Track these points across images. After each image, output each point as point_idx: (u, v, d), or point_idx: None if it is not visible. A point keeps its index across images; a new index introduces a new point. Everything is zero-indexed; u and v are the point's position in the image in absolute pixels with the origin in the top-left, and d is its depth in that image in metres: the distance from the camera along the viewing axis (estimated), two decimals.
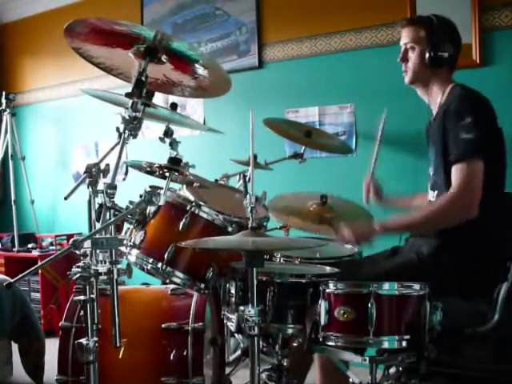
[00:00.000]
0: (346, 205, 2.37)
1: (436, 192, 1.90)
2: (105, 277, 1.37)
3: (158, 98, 3.39)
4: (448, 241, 1.78)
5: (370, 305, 1.45)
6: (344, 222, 1.91)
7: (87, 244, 1.33)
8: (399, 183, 2.74)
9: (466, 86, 1.89)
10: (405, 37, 1.96)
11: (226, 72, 1.71)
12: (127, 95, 1.51)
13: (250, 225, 1.52)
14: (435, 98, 1.95)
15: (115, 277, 1.37)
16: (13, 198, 4.24)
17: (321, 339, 1.55)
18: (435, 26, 1.89)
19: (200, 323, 1.85)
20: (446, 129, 1.81)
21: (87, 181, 1.41)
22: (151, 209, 1.84)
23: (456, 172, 1.74)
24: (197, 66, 1.62)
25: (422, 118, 2.14)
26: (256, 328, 1.44)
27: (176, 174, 1.77)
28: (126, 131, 1.49)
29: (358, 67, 3.13)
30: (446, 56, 1.89)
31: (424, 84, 1.97)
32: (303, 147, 2.85)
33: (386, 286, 1.49)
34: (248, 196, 1.52)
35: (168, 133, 1.77)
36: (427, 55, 1.88)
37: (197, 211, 1.88)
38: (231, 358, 2.59)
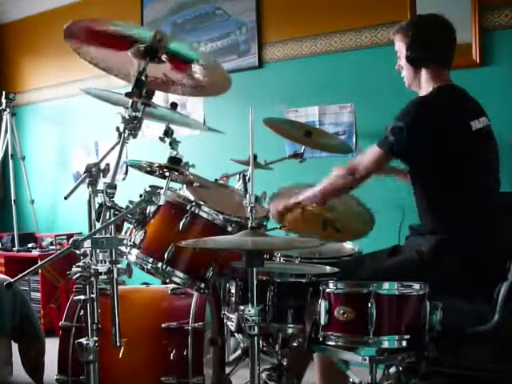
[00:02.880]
0: (347, 202, 2.36)
1: None
2: (105, 276, 1.37)
3: (158, 98, 3.39)
4: (448, 240, 1.78)
5: (369, 304, 1.45)
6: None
7: (87, 244, 1.33)
8: (398, 183, 2.74)
9: (446, 88, 1.90)
10: (395, 47, 2.04)
11: (225, 71, 1.71)
12: (127, 95, 1.51)
13: (249, 224, 1.52)
14: None
15: (115, 276, 1.37)
16: (13, 197, 4.24)
17: (321, 339, 1.55)
18: (410, 28, 1.95)
19: (200, 323, 1.85)
20: None
21: (87, 180, 1.41)
22: (151, 208, 1.84)
23: (368, 150, 1.92)
24: (196, 65, 1.62)
25: None
26: (256, 328, 1.44)
27: (176, 173, 1.77)
28: (126, 131, 1.49)
29: (358, 67, 3.13)
30: (421, 54, 1.92)
31: (418, 84, 2.00)
32: (303, 147, 2.85)
33: (386, 285, 1.48)
34: (248, 196, 1.52)
35: (168, 132, 1.77)
36: (406, 56, 1.96)
37: (197, 211, 1.88)
38: (231, 357, 2.59)
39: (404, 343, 1.47)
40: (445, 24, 1.95)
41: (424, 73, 1.95)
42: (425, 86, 1.96)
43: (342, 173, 1.95)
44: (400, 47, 1.99)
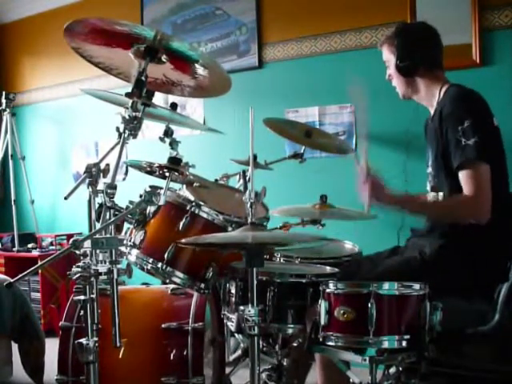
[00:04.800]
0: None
1: (442, 193, 1.89)
2: (105, 277, 1.36)
3: (158, 98, 3.39)
4: (450, 241, 1.78)
5: (370, 305, 1.44)
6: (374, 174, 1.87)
7: (87, 244, 1.33)
8: (399, 184, 2.74)
9: (462, 86, 1.89)
10: (383, 57, 2.06)
11: (226, 72, 1.71)
12: (127, 95, 1.51)
13: (249, 220, 1.51)
14: (430, 100, 1.97)
15: (115, 277, 1.36)
16: (13, 197, 4.24)
17: (321, 339, 1.54)
18: (395, 38, 1.97)
19: (200, 323, 1.85)
20: (444, 132, 1.81)
21: (87, 181, 1.41)
22: (151, 209, 1.84)
23: (464, 178, 1.75)
24: (197, 65, 1.62)
25: (422, 119, 2.14)
26: (256, 328, 1.44)
27: (176, 173, 1.77)
28: (126, 131, 1.49)
29: (358, 67, 3.13)
30: (409, 62, 1.93)
31: (414, 92, 2.01)
32: (303, 147, 2.85)
33: (386, 285, 1.48)
34: (247, 191, 1.51)
35: (168, 133, 1.77)
36: (396, 66, 1.97)
37: (197, 211, 1.88)
38: (231, 358, 2.59)
39: (404, 343, 1.47)
40: (428, 30, 1.98)
41: (419, 79, 1.96)
42: (426, 90, 1.96)
43: (467, 203, 1.74)
44: (389, 58, 2.01)
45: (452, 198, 1.83)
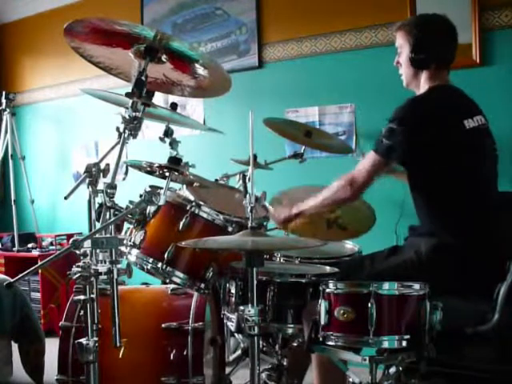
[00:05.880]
0: None
1: None
2: (105, 276, 1.37)
3: (158, 98, 3.39)
4: (448, 240, 1.78)
5: (370, 305, 1.44)
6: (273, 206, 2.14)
7: (87, 244, 1.33)
8: (401, 184, 2.74)
9: (439, 88, 1.90)
10: (396, 42, 2.04)
11: (226, 71, 1.71)
12: (127, 95, 1.52)
13: (249, 224, 1.52)
14: None
15: (115, 277, 1.37)
16: (13, 197, 4.24)
17: (321, 339, 1.54)
18: (414, 28, 1.94)
19: (200, 323, 1.85)
20: None
21: (87, 180, 1.41)
22: (151, 208, 1.83)
23: (365, 157, 1.91)
24: (197, 65, 1.62)
25: None
26: (256, 328, 1.44)
27: (176, 173, 1.77)
28: (126, 131, 1.49)
29: (358, 67, 3.13)
30: (424, 56, 1.92)
31: (417, 84, 2.01)
32: (303, 147, 2.85)
33: (386, 285, 1.48)
34: (248, 196, 1.52)
35: (168, 132, 1.77)
36: (409, 58, 1.95)
37: (197, 211, 1.88)
38: (231, 357, 2.59)
39: (404, 343, 1.47)
40: (448, 25, 1.95)
41: (426, 73, 1.95)
42: (423, 86, 1.96)
43: (342, 184, 1.91)
44: (402, 45, 1.98)
45: None
